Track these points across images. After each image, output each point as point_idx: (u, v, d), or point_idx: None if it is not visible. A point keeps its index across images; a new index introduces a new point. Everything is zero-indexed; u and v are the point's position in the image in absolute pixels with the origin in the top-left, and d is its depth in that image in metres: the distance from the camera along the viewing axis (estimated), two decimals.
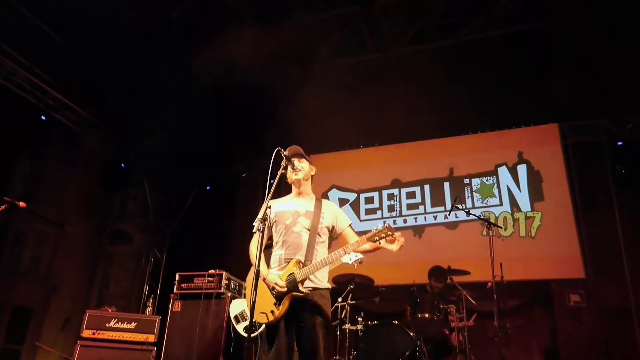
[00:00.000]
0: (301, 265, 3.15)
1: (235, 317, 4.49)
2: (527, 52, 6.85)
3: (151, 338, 5.50)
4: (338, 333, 5.42)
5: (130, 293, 8.05)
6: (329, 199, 7.84)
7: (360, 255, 3.52)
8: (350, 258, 3.64)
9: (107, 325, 5.47)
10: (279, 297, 3.11)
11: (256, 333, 3.84)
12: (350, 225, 3.46)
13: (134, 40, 7.24)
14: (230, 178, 8.72)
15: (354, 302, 5.56)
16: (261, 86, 7.89)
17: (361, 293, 5.72)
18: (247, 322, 4.21)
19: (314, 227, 3.29)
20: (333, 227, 3.41)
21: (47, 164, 7.32)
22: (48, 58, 6.83)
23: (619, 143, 6.81)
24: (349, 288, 5.56)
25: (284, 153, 3.31)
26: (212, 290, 5.43)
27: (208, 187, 8.78)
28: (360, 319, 5.38)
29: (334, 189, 7.96)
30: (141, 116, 8.42)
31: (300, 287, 3.08)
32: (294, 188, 3.53)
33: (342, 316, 5.49)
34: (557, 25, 6.72)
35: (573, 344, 5.55)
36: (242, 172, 8.67)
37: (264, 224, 3.04)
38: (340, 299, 5.56)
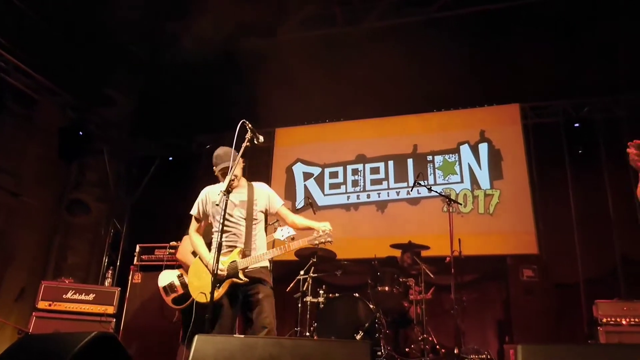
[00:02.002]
0: (242, 254, 3.40)
1: (164, 287, 4.41)
2: (492, 32, 6.92)
3: (110, 310, 5.45)
4: (299, 305, 5.49)
5: (88, 264, 7.89)
6: (293, 173, 7.89)
7: (292, 232, 3.71)
8: (282, 235, 3.81)
9: (64, 296, 5.37)
10: (219, 281, 3.30)
11: (184, 305, 4.21)
12: (283, 205, 3.70)
13: (99, 5, 6.92)
14: (193, 149, 8.58)
15: (316, 275, 5.63)
16: (228, 57, 7.72)
17: (323, 266, 5.80)
18: (175, 294, 4.24)
19: (249, 215, 3.52)
20: (267, 209, 3.64)
21: (2, 131, 7.01)
22: (2, 19, 6.47)
23: (576, 125, 7.03)
24: (311, 261, 5.62)
25: (249, 126, 3.29)
26: (173, 262, 5.37)
27: (170, 158, 8.61)
28: (321, 292, 5.46)
29: (299, 163, 7.95)
30: (103, 84, 8.12)
31: (240, 275, 3.34)
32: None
33: (304, 289, 5.55)
34: (522, 7, 6.80)
35: (525, 316, 5.79)
36: (205, 143, 8.53)
37: (227, 197, 3.19)
38: (302, 272, 5.62)
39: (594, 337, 4.93)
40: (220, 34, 7.12)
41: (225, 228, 3.39)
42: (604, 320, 4.83)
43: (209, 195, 3.62)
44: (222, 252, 3.35)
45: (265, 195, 3.66)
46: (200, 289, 3.34)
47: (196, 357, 2.08)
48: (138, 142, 8.71)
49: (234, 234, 3.47)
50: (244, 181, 3.68)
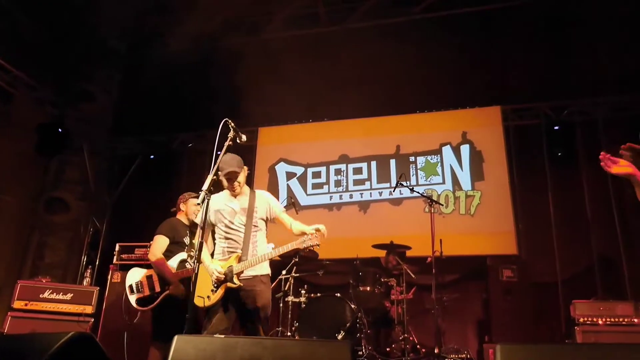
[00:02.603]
0: (239, 259, 3.47)
1: (130, 286, 4.29)
2: (475, 35, 6.99)
3: (88, 309, 5.37)
4: (281, 305, 5.48)
5: (67, 263, 7.76)
6: (276, 172, 7.86)
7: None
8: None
9: (40, 296, 5.28)
10: (216, 285, 3.44)
11: (150, 307, 4.16)
12: (283, 212, 3.76)
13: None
14: (175, 147, 8.50)
15: (298, 275, 5.63)
16: (211, 54, 7.67)
17: (305, 266, 5.80)
18: (140, 294, 4.21)
19: (249, 223, 3.59)
20: (267, 217, 3.72)
21: None
22: None
23: (556, 127, 7.14)
24: (293, 261, 5.62)
25: (232, 125, 3.28)
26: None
27: (152, 156, 8.52)
28: (303, 292, 5.47)
29: (282, 162, 7.92)
30: (82, 79, 7.99)
31: (235, 279, 3.42)
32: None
33: (286, 289, 5.55)
34: (505, 10, 6.89)
35: (504, 316, 5.86)
36: (188, 141, 8.46)
37: (209, 196, 3.19)
38: (284, 272, 5.62)
39: (572, 337, 5.01)
40: (204, 30, 7.07)
41: (227, 235, 3.57)
42: (581, 320, 4.91)
43: (212, 204, 3.61)
44: (222, 257, 3.55)
45: (266, 202, 3.73)
46: (198, 292, 3.40)
47: (175, 357, 2.05)
48: (119, 139, 8.59)
49: (235, 241, 3.56)
50: (246, 188, 3.74)
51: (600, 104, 6.93)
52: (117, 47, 7.98)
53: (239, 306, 3.46)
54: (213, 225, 3.67)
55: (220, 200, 3.66)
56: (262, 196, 3.76)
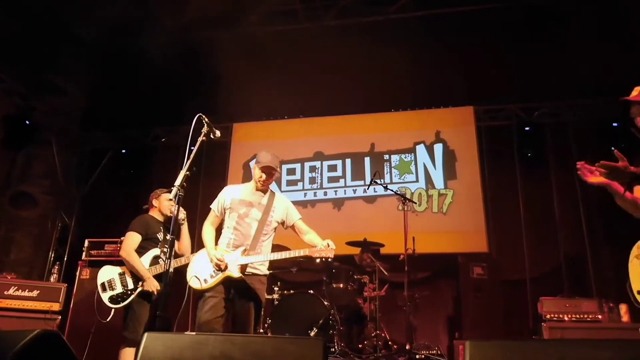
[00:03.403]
0: (246, 253, 3.47)
1: (102, 284, 4.20)
2: (449, 36, 7.06)
3: (55, 307, 5.24)
4: None
5: (33, 259, 7.55)
6: (250, 169, 7.80)
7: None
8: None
9: (5, 292, 5.14)
10: (216, 271, 3.45)
11: (123, 304, 4.10)
12: (300, 219, 3.78)
13: None
14: (148, 142, 8.36)
15: (271, 271, 5.59)
16: (186, 49, 7.56)
17: (279, 263, 5.77)
18: (112, 292, 4.13)
19: (263, 220, 3.60)
20: (283, 221, 3.76)
21: None
22: None
23: (527, 128, 7.29)
24: None
25: (206, 120, 3.24)
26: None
27: (124, 151, 8.36)
28: (276, 289, 5.46)
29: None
30: (51, 71, 7.78)
31: (237, 271, 3.42)
32: (255, 183, 3.71)
33: None
34: (478, 12, 6.98)
35: (474, 313, 5.96)
36: (161, 136, 8.33)
37: (182, 192, 3.09)
38: None
39: (539, 333, 5.12)
40: (178, 23, 6.97)
41: (237, 226, 3.56)
42: (548, 316, 5.02)
43: (230, 192, 3.73)
44: (227, 248, 3.54)
45: (285, 206, 3.75)
46: (196, 273, 3.48)
47: (144, 355, 2.02)
48: (89, 133, 8.41)
49: (243, 234, 3.55)
50: (269, 187, 3.77)
51: (569, 107, 7.10)
52: (88, 39, 7.79)
53: (235, 301, 3.46)
54: (223, 214, 3.67)
55: (241, 191, 3.72)
56: (282, 199, 3.81)
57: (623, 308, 4.98)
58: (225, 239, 3.62)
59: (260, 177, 3.63)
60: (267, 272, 3.67)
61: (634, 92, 2.65)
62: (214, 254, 3.45)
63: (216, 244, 3.64)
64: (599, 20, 6.56)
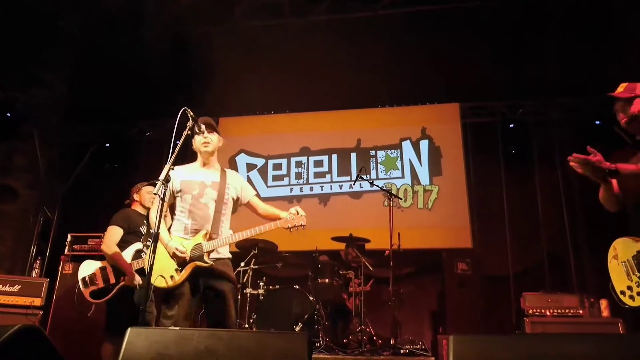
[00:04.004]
0: (209, 237, 3.20)
1: (83, 279, 4.14)
2: (436, 33, 7.08)
3: (37, 302, 5.16)
4: (239, 297, 5.44)
5: (15, 254, 7.41)
6: (236, 164, 7.78)
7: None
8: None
9: None
10: (181, 264, 3.14)
11: (105, 299, 4.03)
12: (256, 195, 3.55)
13: None
14: (132, 136, 8.27)
15: (257, 267, 5.60)
16: (171, 42, 7.48)
17: (264, 258, 5.78)
18: (94, 287, 4.09)
19: (220, 198, 3.33)
20: (238, 197, 3.47)
21: None
22: None
23: (511, 125, 7.36)
24: (252, 253, 5.58)
25: (191, 114, 3.20)
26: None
27: (107, 144, 8.27)
28: (262, 284, 5.45)
29: (242, 154, 7.85)
30: (32, 62, 7.64)
31: (206, 258, 3.14)
32: (199, 157, 3.49)
33: (244, 281, 5.52)
34: (465, 9, 7.01)
35: (458, 308, 6.01)
36: (146, 130, 8.25)
37: (166, 187, 2.96)
38: (242, 264, 5.58)
39: (521, 327, 5.19)
40: (164, 16, 6.89)
41: (193, 209, 3.26)
42: (530, 311, 5.08)
43: (178, 173, 3.36)
44: (185, 235, 3.24)
45: (239, 182, 3.51)
46: (159, 272, 3.08)
47: (128, 350, 2.01)
48: (72, 126, 8.28)
49: (201, 217, 3.26)
50: (217, 164, 3.51)
51: (553, 105, 7.19)
52: (71, 30, 7.66)
53: (207, 291, 3.18)
54: (174, 198, 3.35)
55: (188, 171, 3.42)
56: (235, 175, 3.56)
57: (603, 303, 5.07)
58: (180, 224, 3.29)
59: (200, 141, 3.36)
60: (230, 256, 3.37)
61: (619, 89, 2.70)
62: (173, 245, 3.14)
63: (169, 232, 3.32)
64: (583, 21, 6.64)
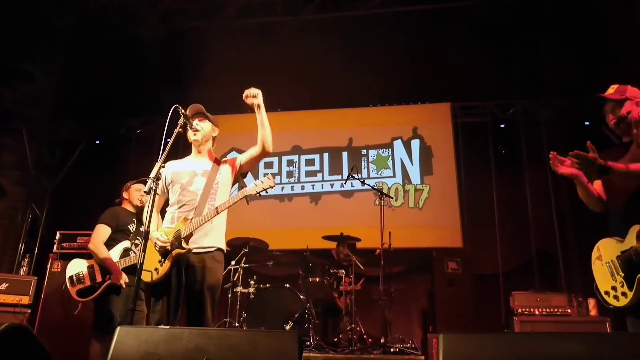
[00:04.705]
0: (188, 222, 3.09)
1: (70, 278, 4.09)
2: (428, 32, 7.11)
3: (25, 300, 5.12)
4: (230, 296, 5.43)
5: (3, 252, 7.35)
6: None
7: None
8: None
9: None
10: (163, 254, 3.05)
11: (91, 297, 3.98)
12: (245, 153, 3.46)
13: None
14: (123, 133, 8.21)
15: (247, 265, 5.59)
16: (163, 39, 7.45)
17: (255, 257, 5.77)
18: (81, 285, 4.05)
19: (209, 185, 3.23)
20: (233, 170, 3.37)
21: None
22: None
23: (502, 125, 7.40)
24: (242, 251, 5.57)
25: (182, 111, 3.18)
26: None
27: (97, 142, 8.20)
28: (252, 282, 5.44)
29: (234, 152, 7.81)
30: (21, 57, 7.56)
31: (184, 244, 3.02)
32: (193, 148, 3.44)
33: (235, 279, 5.51)
34: (457, 9, 7.05)
35: (448, 307, 6.04)
36: (136, 127, 8.19)
37: (157, 184, 2.90)
38: (233, 262, 5.57)
39: (510, 326, 5.22)
40: (155, 12, 6.85)
41: (181, 197, 3.18)
42: (519, 310, 5.12)
43: (170, 166, 3.32)
44: (171, 224, 3.15)
45: (229, 162, 3.42)
46: (145, 266, 2.90)
47: (117, 349, 1.99)
48: (62, 123, 8.20)
49: (188, 205, 3.16)
50: (212, 154, 3.45)
51: (543, 105, 7.23)
52: (61, 25, 7.59)
53: (185, 282, 3.04)
54: (166, 193, 3.28)
55: (181, 162, 3.38)
56: (226, 160, 3.46)
57: (591, 302, 5.12)
58: (168, 215, 3.21)
59: (190, 132, 3.29)
60: (223, 247, 3.21)
61: (610, 90, 2.72)
62: (155, 235, 3.03)
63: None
64: (574, 22, 6.70)
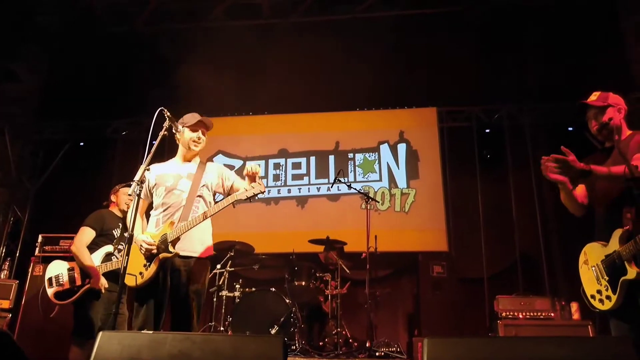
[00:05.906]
0: (174, 225, 3.06)
1: (50, 279, 4.05)
2: (414, 37, 7.15)
3: (5, 304, 5.05)
4: (215, 300, 5.39)
5: None
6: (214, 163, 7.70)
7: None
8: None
9: None
10: (148, 258, 3.02)
11: (68, 301, 3.93)
12: (238, 179, 3.38)
13: None
14: (108, 134, 8.11)
15: (233, 269, 5.56)
16: (149, 40, 7.40)
17: (241, 260, 5.74)
18: (60, 287, 4.00)
19: (194, 188, 3.20)
20: (219, 184, 3.32)
21: None
22: None
23: (487, 130, 7.48)
24: (228, 255, 5.54)
25: (167, 114, 3.15)
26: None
27: (82, 143, 8.10)
28: (238, 286, 5.41)
29: (220, 155, 7.79)
30: (6, 56, 7.45)
31: (170, 248, 3.00)
32: (180, 152, 3.40)
33: (220, 283, 5.47)
34: (444, 14, 7.11)
35: (433, 310, 6.07)
36: (121, 129, 8.11)
37: (141, 187, 2.90)
38: (219, 266, 5.53)
39: (494, 330, 5.26)
40: (142, 13, 6.80)
41: (165, 200, 3.16)
42: (504, 314, 5.16)
43: (155, 169, 3.30)
44: (156, 228, 3.13)
45: (218, 169, 3.37)
46: (129, 270, 2.90)
47: (99, 354, 1.96)
48: (46, 123, 8.09)
49: (173, 207, 3.15)
50: (197, 158, 3.42)
51: (527, 110, 7.32)
52: (46, 24, 7.49)
53: (170, 286, 3.03)
54: (150, 197, 3.26)
55: (165, 166, 3.35)
56: (214, 165, 3.44)
57: (574, 306, 5.18)
58: (153, 219, 3.19)
59: (192, 138, 3.28)
60: (210, 253, 3.23)
61: (592, 97, 2.76)
62: (141, 237, 3.02)
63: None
64: (559, 29, 6.79)
